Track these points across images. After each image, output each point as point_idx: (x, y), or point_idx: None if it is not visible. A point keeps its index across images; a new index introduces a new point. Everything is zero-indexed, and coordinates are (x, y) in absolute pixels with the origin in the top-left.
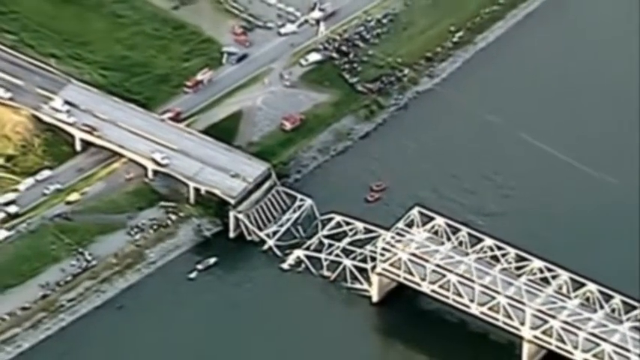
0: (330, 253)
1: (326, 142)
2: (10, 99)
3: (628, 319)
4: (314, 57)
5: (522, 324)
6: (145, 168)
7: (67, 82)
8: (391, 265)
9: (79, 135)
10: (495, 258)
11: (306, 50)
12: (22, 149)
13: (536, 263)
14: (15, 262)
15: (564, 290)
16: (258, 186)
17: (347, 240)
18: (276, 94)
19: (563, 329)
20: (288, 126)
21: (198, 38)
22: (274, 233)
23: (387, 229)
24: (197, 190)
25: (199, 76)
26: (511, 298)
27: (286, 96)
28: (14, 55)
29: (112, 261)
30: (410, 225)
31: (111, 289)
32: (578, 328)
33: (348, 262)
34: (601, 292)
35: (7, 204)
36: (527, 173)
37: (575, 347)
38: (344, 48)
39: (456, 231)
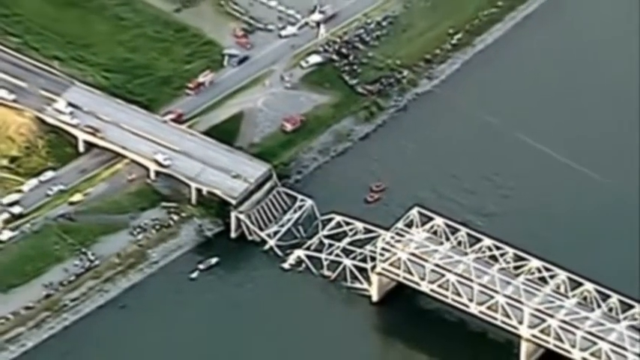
0: (330, 253)
1: (326, 143)
2: (14, 101)
3: (625, 318)
4: (314, 59)
5: (520, 323)
6: (147, 169)
7: (71, 84)
8: (391, 264)
9: (82, 136)
10: (494, 258)
11: (307, 52)
12: (25, 150)
13: (534, 263)
14: (19, 262)
15: (562, 289)
16: (259, 187)
17: (347, 240)
18: (276, 95)
19: (561, 328)
20: (288, 127)
21: (200, 41)
22: (275, 233)
23: (387, 229)
24: (199, 190)
25: (201, 78)
26: (509, 297)
27: (287, 97)
28: (18, 58)
29: (115, 261)
30: (409, 225)
31: (114, 289)
32: (576, 327)
33: (348, 262)
34: (598, 292)
35: (11, 205)
36: (526, 174)
37: (573, 346)
38: (344, 50)
39: (454, 231)
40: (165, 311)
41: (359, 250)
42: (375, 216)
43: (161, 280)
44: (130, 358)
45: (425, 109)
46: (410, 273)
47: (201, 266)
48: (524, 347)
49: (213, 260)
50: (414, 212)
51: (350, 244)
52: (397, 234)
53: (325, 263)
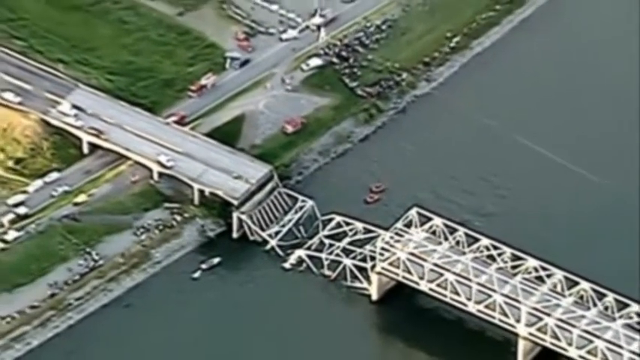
0: (330, 253)
1: (327, 145)
2: (20, 103)
3: (621, 317)
4: (315, 62)
5: (518, 321)
6: (150, 170)
7: (75, 87)
8: (390, 264)
9: (86, 138)
10: (491, 257)
11: (307, 55)
12: (31, 152)
13: (532, 262)
14: (24, 262)
15: (559, 288)
16: (260, 187)
17: (347, 240)
18: (278, 98)
19: (558, 326)
20: (289, 129)
21: (202, 44)
22: (276, 233)
23: (386, 229)
24: (201, 191)
25: (203, 81)
26: (507, 296)
27: (288, 100)
28: (23, 61)
29: (119, 260)
30: (408, 225)
31: (118, 288)
32: (572, 326)
33: (348, 262)
34: (594, 291)
35: (17, 205)
36: (523, 175)
37: (570, 344)
38: (344, 53)
39: (453, 231)
40: (169, 310)
41: (359, 250)
42: (375, 216)
43: (164, 280)
44: (133, 357)
45: (424, 111)
46: (409, 272)
47: (203, 266)
48: (522, 345)
49: (216, 260)
50: (413, 212)
51: (350, 244)
52: (396, 234)
53: (326, 263)
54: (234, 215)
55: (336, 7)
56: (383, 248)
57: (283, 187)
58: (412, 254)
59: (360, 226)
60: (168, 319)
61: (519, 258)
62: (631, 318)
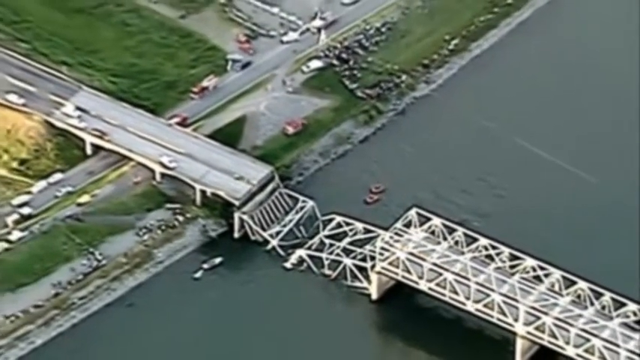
0: (331, 253)
1: (327, 146)
2: (24, 105)
3: (617, 316)
4: (315, 64)
5: (516, 320)
6: (153, 171)
7: (78, 89)
8: (390, 264)
9: (89, 139)
10: (490, 257)
11: (308, 57)
12: (35, 153)
13: (529, 262)
14: (28, 262)
15: (556, 288)
16: (261, 188)
17: (347, 240)
18: (279, 99)
19: (556, 325)
20: (290, 130)
21: (204, 46)
22: (277, 233)
23: (386, 229)
24: (203, 192)
25: (205, 83)
26: (505, 295)
27: (289, 101)
28: (27, 63)
29: (122, 260)
30: (408, 225)
31: (120, 288)
32: (570, 324)
33: (348, 261)
34: (591, 290)
35: (21, 206)
36: (521, 175)
37: (567, 342)
38: (344, 55)
39: (452, 231)
40: (171, 309)
41: (359, 250)
42: (375, 216)
43: (167, 279)
44: (136, 355)
45: (423, 112)
46: (408, 272)
47: (205, 266)
48: (520, 344)
49: (217, 260)
50: (413, 213)
51: (350, 243)
52: (396, 234)
53: (326, 262)
54: (236, 215)
55: (337, 9)
56: (383, 248)
57: (284, 187)
58: (411, 254)
59: (360, 226)
60: (171, 318)
61: (517, 258)
62: (628, 317)
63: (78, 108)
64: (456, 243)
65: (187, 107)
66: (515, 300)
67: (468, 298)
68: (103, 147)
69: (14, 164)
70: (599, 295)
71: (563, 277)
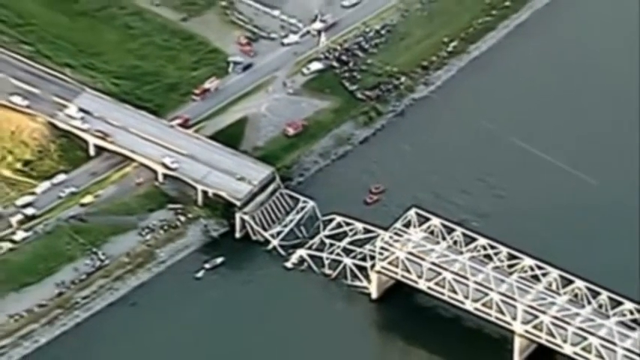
0: (331, 253)
1: (327, 147)
2: (28, 106)
3: (614, 314)
4: (315, 66)
5: (514, 319)
6: (155, 172)
7: (82, 91)
8: (389, 263)
9: (92, 141)
10: (488, 256)
11: (308, 59)
12: (38, 154)
13: (527, 261)
14: (32, 262)
15: (554, 287)
16: (262, 189)
17: (347, 240)
18: (279, 101)
19: (553, 324)
20: (291, 132)
21: (206, 48)
22: (278, 233)
23: (386, 229)
24: (205, 192)
25: (207, 85)
26: (503, 294)
27: (289, 103)
28: (31, 65)
29: (124, 260)
30: (407, 225)
31: (123, 287)
32: (567, 323)
33: (348, 261)
34: (589, 289)
35: (25, 206)
36: (519, 176)
37: (565, 341)
38: (344, 57)
39: (450, 231)
40: (173, 308)
41: (359, 250)
42: (375, 216)
43: (169, 279)
44: (139, 354)
45: (422, 113)
46: (408, 271)
47: (207, 265)
48: (518, 342)
49: (219, 260)
50: (412, 213)
51: (350, 243)
52: (395, 234)
53: (326, 262)
54: (237, 216)
55: (337, 12)
56: (382, 248)
57: (285, 188)
58: (411, 254)
59: (359, 226)
60: (173, 317)
61: (515, 257)
62: (624, 315)
63: (81, 110)
64: (455, 243)
65: (189, 109)
66: (514, 299)
67: (466, 297)
68: (106, 148)
69: (18, 165)
70: (596, 294)
71: (561, 277)
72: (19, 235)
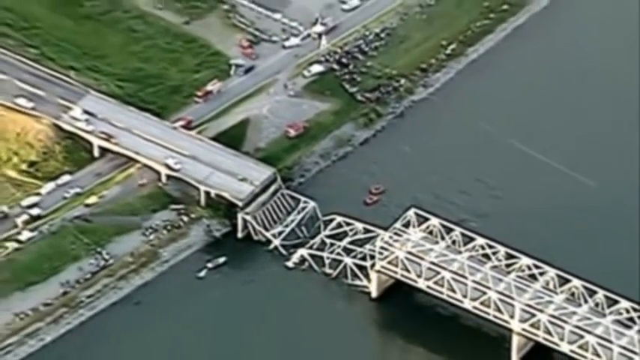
0: (331, 252)
1: (328, 148)
2: (33, 108)
3: (611, 313)
4: (316, 68)
5: (512, 317)
6: (158, 173)
7: (86, 93)
8: (389, 262)
9: (97, 142)
10: (486, 256)
11: (309, 62)
12: (43, 155)
13: (525, 261)
14: (37, 261)
15: (551, 286)
16: (264, 189)
17: (348, 239)
18: (280, 103)
19: (550, 322)
20: (292, 133)
21: (208, 51)
22: (279, 233)
23: (385, 229)
24: (207, 193)
25: (209, 87)
26: (501, 293)
27: (290, 105)
28: (36, 68)
29: (128, 260)
30: (406, 225)
31: (127, 286)
32: (564, 321)
33: (348, 261)
34: (585, 288)
35: (30, 207)
36: (517, 176)
37: (562, 339)
38: (344, 60)
39: (449, 231)
40: (176, 307)
41: (359, 249)
42: (374, 217)
43: (172, 278)
44: (142, 352)
45: (421, 115)
46: (407, 270)
47: (209, 265)
48: (516, 340)
49: (221, 259)
50: (411, 213)
51: (350, 243)
52: (395, 234)
53: (327, 262)
54: (239, 216)
55: (337, 15)
56: (382, 247)
57: (286, 188)
58: (410, 253)
59: (360, 226)
60: (176, 315)
61: (513, 257)
62: (620, 314)
63: (85, 111)
64: (454, 242)
65: (192, 111)
66: (511, 298)
67: (465, 296)
68: (110, 149)
69: (24, 166)
70: (592, 293)
71: (558, 276)
72: (25, 235)
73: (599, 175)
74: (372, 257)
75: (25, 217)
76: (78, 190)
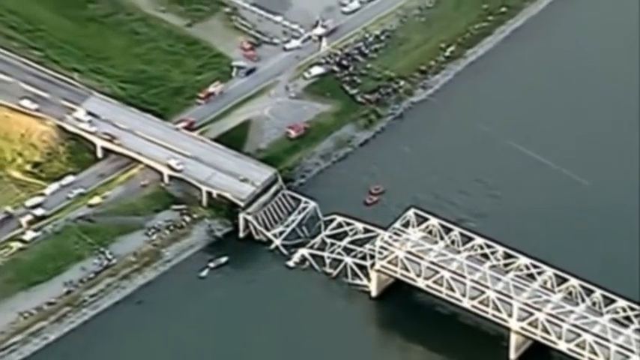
0: (332, 252)
1: (328, 149)
2: (37, 110)
3: (607, 312)
4: (317, 70)
5: (510, 316)
6: (161, 173)
7: (89, 95)
8: (389, 262)
9: (100, 143)
10: (485, 255)
11: (310, 64)
12: (47, 156)
13: (523, 260)
14: (41, 261)
15: (549, 285)
16: (265, 190)
17: (348, 239)
18: (282, 104)
19: (548, 321)
20: (293, 134)
21: (210, 53)
22: (280, 233)
23: (385, 229)
24: (209, 193)
25: (211, 89)
26: (500, 292)
27: (291, 106)
28: (40, 70)
29: (131, 259)
30: (406, 225)
31: (130, 286)
32: (562, 320)
33: (348, 260)
34: (583, 287)
35: (34, 207)
36: (515, 177)
37: (559, 338)
38: (344, 62)
39: (448, 230)
40: (178, 306)
41: (359, 249)
42: (374, 217)
43: (174, 278)
44: (144, 350)
45: (420, 116)
46: (407, 270)
47: (211, 264)
48: (514, 339)
49: (223, 259)
50: (411, 213)
51: (350, 243)
52: (395, 234)
53: (327, 261)
54: (241, 216)
55: (337, 18)
56: (382, 247)
57: (287, 189)
58: (410, 253)
59: (360, 226)
60: (178, 315)
61: (511, 256)
62: (617, 313)
63: (89, 113)
64: (453, 242)
65: (194, 112)
66: (510, 297)
67: (464, 295)
68: (113, 150)
69: (28, 167)
70: (589, 292)
71: (556, 275)
72: (29, 235)
73: (596, 175)
74: (372, 257)
75: (29, 217)
76: (81, 190)
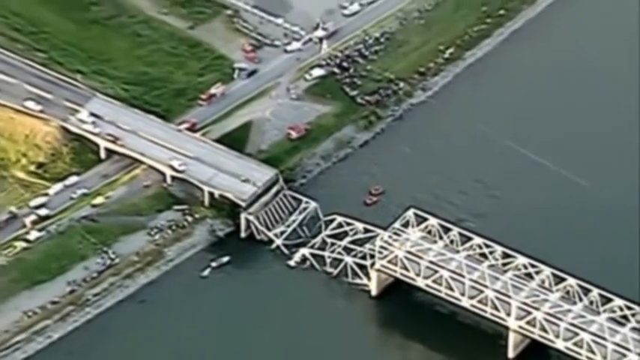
0: (332, 251)
1: (329, 150)
2: (41, 111)
3: (605, 311)
4: (317, 72)
5: (508, 315)
6: (163, 174)
7: (93, 96)
8: (389, 261)
9: (103, 144)
10: (484, 255)
11: (310, 66)
12: (51, 157)
13: (521, 260)
14: (45, 260)
15: (547, 284)
16: (266, 190)
17: (348, 239)
18: (283, 106)
19: (546, 320)
20: (294, 135)
21: (212, 55)
22: (282, 233)
23: (385, 229)
24: (211, 193)
25: (213, 90)
26: (498, 291)
27: (292, 108)
28: (44, 72)
29: (134, 259)
30: (405, 225)
31: (133, 285)
32: (560, 319)
33: (349, 260)
34: (580, 286)
35: (38, 207)
36: (513, 177)
37: (557, 336)
38: (345, 64)
39: (447, 230)
40: (180, 306)
41: (359, 249)
42: (374, 217)
43: (177, 277)
44: (147, 349)
45: (420, 118)
46: (406, 269)
47: (213, 264)
48: (512, 338)
49: (225, 259)
50: (410, 213)
51: (351, 243)
52: (394, 233)
53: (328, 261)
54: (242, 216)
55: (338, 20)
56: (382, 247)
57: (288, 189)
58: (409, 252)
59: (360, 226)
60: (180, 314)
61: (510, 256)
62: (614, 312)
63: (92, 114)
64: (452, 242)
65: (196, 113)
66: (508, 296)
67: (462, 294)
68: (116, 151)
69: (32, 168)
70: (587, 292)
71: (553, 275)
72: (33, 234)
73: (594, 175)
74: (372, 256)
75: (33, 217)
76: (85, 190)
